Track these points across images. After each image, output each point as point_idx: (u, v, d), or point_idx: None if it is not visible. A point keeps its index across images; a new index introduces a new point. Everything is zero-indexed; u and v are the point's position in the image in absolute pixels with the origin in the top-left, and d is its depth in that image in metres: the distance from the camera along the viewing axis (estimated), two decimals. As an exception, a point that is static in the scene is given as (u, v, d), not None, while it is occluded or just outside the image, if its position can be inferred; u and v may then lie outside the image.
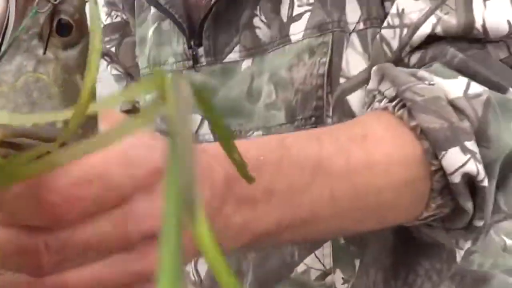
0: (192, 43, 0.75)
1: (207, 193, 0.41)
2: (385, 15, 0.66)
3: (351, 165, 0.53)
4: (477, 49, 0.61)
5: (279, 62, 0.70)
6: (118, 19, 0.91)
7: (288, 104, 0.69)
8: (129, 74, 0.91)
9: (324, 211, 0.52)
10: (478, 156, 0.55)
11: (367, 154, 0.54)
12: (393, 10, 0.64)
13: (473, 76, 0.59)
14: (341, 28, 0.67)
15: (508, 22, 0.60)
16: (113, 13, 0.91)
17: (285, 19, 0.70)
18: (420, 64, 0.62)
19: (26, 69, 0.37)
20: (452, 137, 0.55)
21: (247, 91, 0.73)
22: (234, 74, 0.74)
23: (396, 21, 0.63)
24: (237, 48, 0.73)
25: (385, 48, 0.64)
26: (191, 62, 0.76)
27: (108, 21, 0.92)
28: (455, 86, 0.57)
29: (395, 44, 0.63)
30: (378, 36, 0.65)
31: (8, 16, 0.37)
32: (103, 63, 0.93)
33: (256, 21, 0.72)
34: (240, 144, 0.28)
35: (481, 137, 0.56)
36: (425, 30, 0.61)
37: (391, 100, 0.58)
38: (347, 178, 0.53)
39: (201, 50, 0.75)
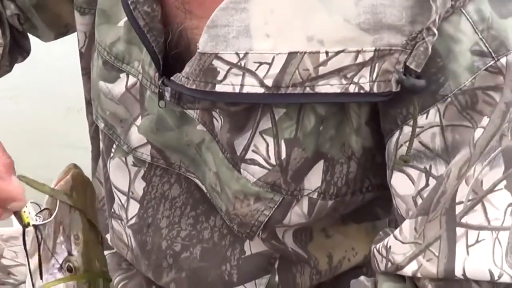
0: (161, 81, 0.72)
1: None
2: (343, 193, 0.72)
3: None
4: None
5: (226, 177, 0.73)
6: None
7: (227, 210, 0.75)
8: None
9: None
10: None
11: None
12: (385, 241, 0.67)
13: None
14: (294, 195, 0.72)
15: (490, 271, 0.62)
16: None
17: (238, 151, 0.71)
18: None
19: None
20: None
21: (196, 145, 0.75)
22: (191, 125, 0.74)
23: (383, 252, 0.67)
24: (198, 112, 0.73)
25: (375, 262, 0.68)
26: (157, 90, 0.74)
27: None
28: None
29: (382, 266, 0.67)
30: (373, 249, 0.68)
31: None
32: None
33: (215, 114, 0.72)
34: None
35: None
36: (406, 273, 0.65)
37: None
38: None
39: (167, 88, 0.72)
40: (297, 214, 0.73)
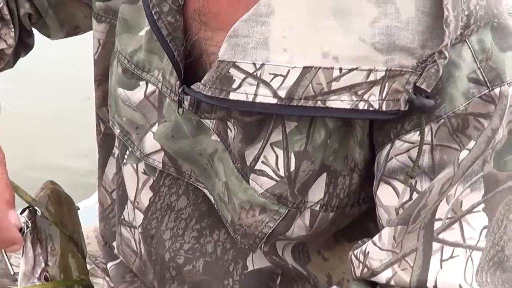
0: (182, 89, 0.73)
1: None
2: (344, 205, 0.72)
3: None
4: None
5: (234, 187, 0.73)
6: None
7: (233, 221, 0.75)
8: None
9: None
10: None
11: None
12: (363, 247, 0.68)
13: None
14: (299, 207, 0.72)
15: (460, 286, 0.64)
16: None
17: (248, 161, 0.72)
18: None
19: None
20: None
21: (208, 155, 0.76)
22: (206, 135, 0.75)
23: (361, 257, 0.68)
24: (214, 122, 0.74)
25: (351, 268, 0.70)
26: (177, 98, 0.75)
27: None
28: None
29: (358, 272, 0.69)
30: (350, 255, 0.70)
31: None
32: None
33: (230, 124, 0.72)
34: None
35: None
36: (380, 279, 0.67)
37: None
38: None
39: (186, 97, 0.74)
40: (299, 226, 0.74)
